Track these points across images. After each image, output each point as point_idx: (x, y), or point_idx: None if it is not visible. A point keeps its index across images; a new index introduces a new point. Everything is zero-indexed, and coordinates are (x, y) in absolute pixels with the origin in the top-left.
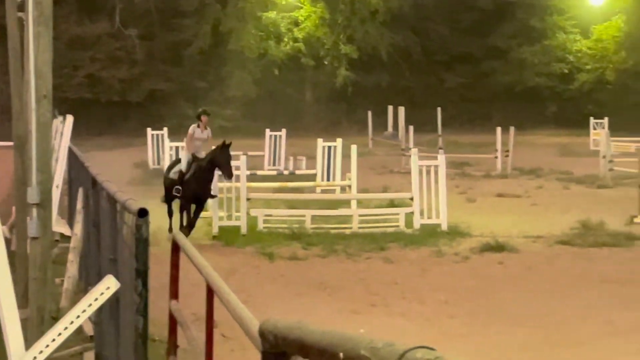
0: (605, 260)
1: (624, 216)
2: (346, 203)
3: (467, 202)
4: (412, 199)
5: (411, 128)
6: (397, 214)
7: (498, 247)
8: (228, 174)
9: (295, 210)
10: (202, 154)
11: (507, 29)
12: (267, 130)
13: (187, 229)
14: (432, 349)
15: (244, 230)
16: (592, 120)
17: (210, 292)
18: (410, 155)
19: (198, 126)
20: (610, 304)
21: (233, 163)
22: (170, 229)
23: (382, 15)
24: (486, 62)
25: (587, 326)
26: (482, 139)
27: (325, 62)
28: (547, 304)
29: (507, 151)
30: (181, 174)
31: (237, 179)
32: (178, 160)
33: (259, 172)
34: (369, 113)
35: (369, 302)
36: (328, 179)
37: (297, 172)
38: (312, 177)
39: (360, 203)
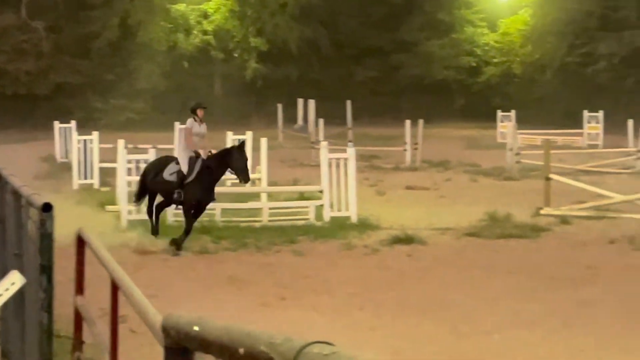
0: (512, 252)
1: (531, 208)
2: (256, 196)
3: (376, 194)
4: (322, 191)
5: (321, 121)
6: (307, 207)
7: (407, 240)
8: (245, 178)
9: None
10: (201, 152)
11: (415, 23)
12: (177, 124)
13: (184, 235)
14: (329, 344)
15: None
16: (499, 113)
17: (114, 288)
18: (320, 148)
19: (195, 120)
20: (516, 294)
21: (141, 156)
22: (156, 232)
23: (291, 8)
24: (395, 55)
25: (493, 317)
26: (392, 132)
27: (235, 55)
28: (454, 295)
29: (416, 144)
30: (181, 175)
31: None
32: (166, 160)
33: None
34: (279, 106)
35: (279, 295)
36: None
37: None
38: None
39: (271, 196)
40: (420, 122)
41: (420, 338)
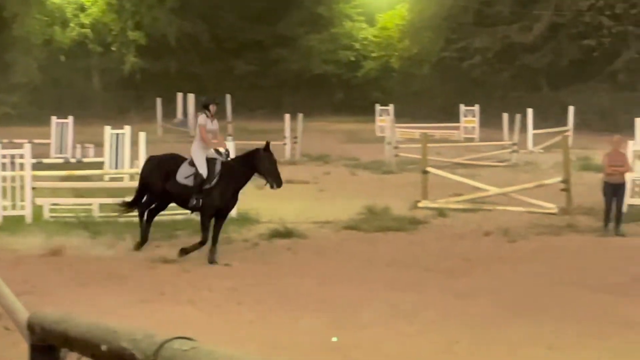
0: (390, 245)
1: (409, 201)
2: (135, 191)
3: (255, 188)
4: None
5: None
6: None
7: (287, 233)
8: (279, 183)
9: (83, 199)
10: (221, 149)
11: (295, 17)
12: (53, 118)
13: (213, 246)
14: (189, 339)
15: (29, 219)
16: (377, 107)
17: None
18: None
19: (207, 116)
20: (394, 287)
21: (16, 151)
22: (144, 241)
23: (170, 1)
24: (275, 49)
25: (371, 309)
26: (272, 126)
27: (113, 49)
28: (333, 289)
29: (296, 138)
30: (200, 179)
31: (22, 167)
32: (174, 160)
33: (45, 161)
34: (158, 100)
35: (158, 290)
36: (116, 167)
37: (85, 160)
38: (100, 165)
39: None
40: (300, 116)
41: (298, 331)
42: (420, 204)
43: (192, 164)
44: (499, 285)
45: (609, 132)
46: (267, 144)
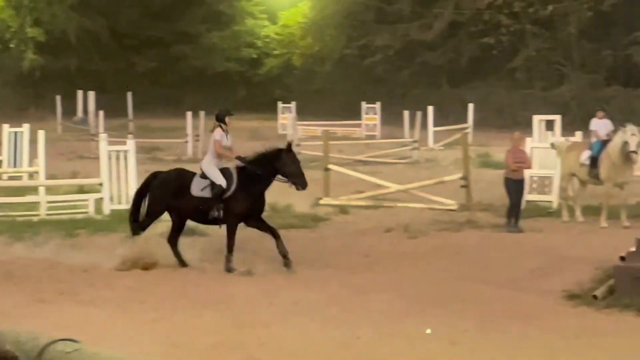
0: (292, 242)
1: (311, 198)
2: (34, 190)
3: None
4: (101, 184)
5: (101, 113)
6: (86, 200)
7: (189, 231)
8: (303, 184)
9: None
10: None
11: (196, 14)
12: None
13: (229, 256)
14: (74, 340)
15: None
16: (279, 105)
17: None
18: (99, 141)
19: (222, 130)
20: (295, 284)
21: None
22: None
23: None
24: (176, 46)
25: (273, 307)
26: (174, 124)
27: (11, 46)
28: (235, 287)
29: (198, 136)
30: (219, 189)
31: None
32: (181, 175)
33: None
34: (58, 98)
35: (56, 290)
36: (15, 166)
37: None
38: None
39: (49, 189)
40: (202, 113)
41: (201, 330)
42: (322, 201)
43: (204, 176)
44: (400, 280)
45: (507, 129)
46: (290, 145)
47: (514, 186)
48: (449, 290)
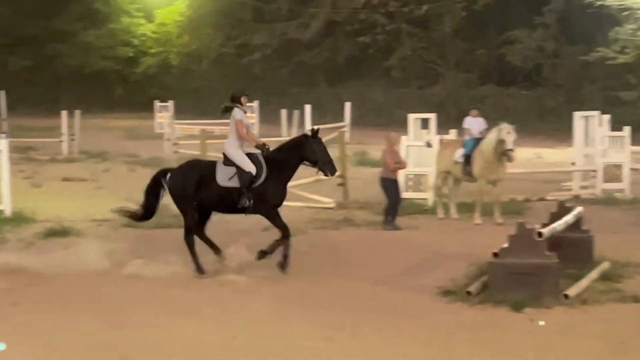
0: (169, 242)
1: None
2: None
3: (32, 187)
4: None
5: None
6: None
7: (63, 232)
8: (333, 171)
9: None
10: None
11: (72, 12)
12: None
13: (285, 240)
14: None
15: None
16: (156, 104)
17: None
18: None
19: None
20: (172, 284)
21: None
22: (218, 249)
23: None
24: (51, 45)
25: (149, 307)
26: (49, 123)
27: None
28: (110, 287)
29: (73, 135)
30: (248, 176)
31: None
32: (201, 165)
33: None
34: None
35: None
36: None
37: None
38: None
39: None
40: (77, 112)
41: (75, 332)
42: None
43: (228, 163)
44: (278, 279)
45: (384, 127)
46: (316, 131)
47: (392, 185)
48: (327, 288)
